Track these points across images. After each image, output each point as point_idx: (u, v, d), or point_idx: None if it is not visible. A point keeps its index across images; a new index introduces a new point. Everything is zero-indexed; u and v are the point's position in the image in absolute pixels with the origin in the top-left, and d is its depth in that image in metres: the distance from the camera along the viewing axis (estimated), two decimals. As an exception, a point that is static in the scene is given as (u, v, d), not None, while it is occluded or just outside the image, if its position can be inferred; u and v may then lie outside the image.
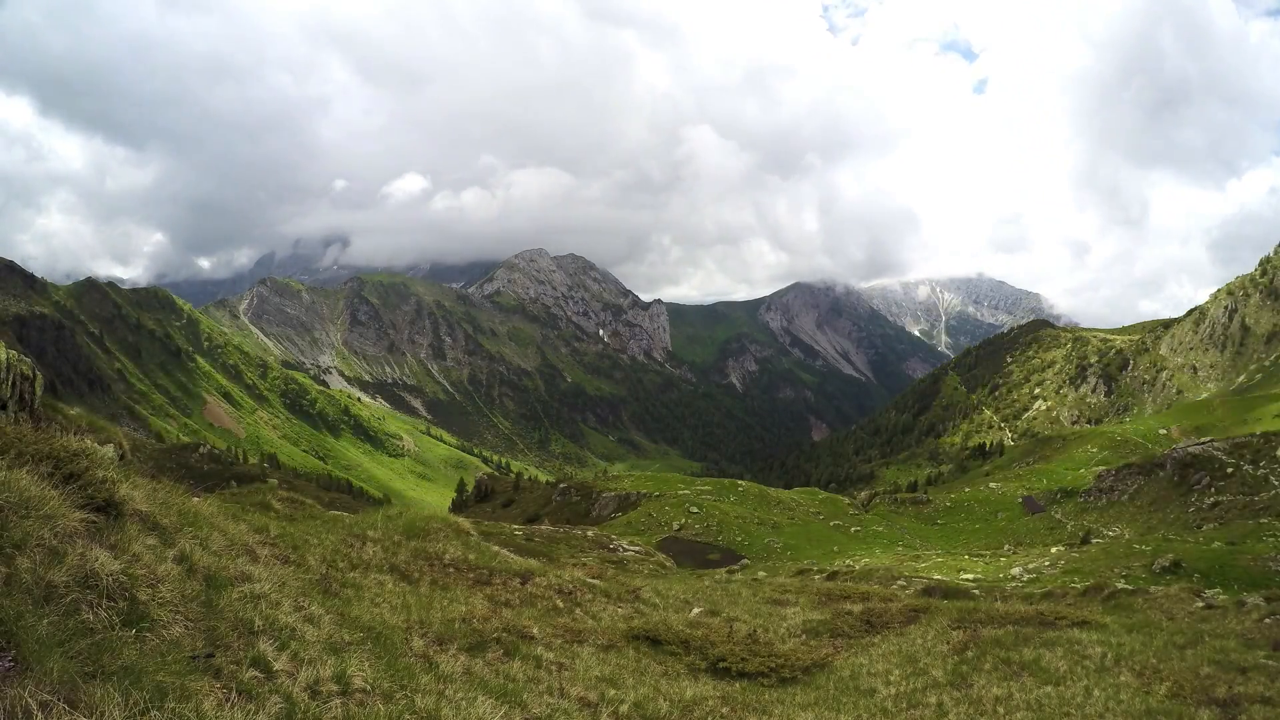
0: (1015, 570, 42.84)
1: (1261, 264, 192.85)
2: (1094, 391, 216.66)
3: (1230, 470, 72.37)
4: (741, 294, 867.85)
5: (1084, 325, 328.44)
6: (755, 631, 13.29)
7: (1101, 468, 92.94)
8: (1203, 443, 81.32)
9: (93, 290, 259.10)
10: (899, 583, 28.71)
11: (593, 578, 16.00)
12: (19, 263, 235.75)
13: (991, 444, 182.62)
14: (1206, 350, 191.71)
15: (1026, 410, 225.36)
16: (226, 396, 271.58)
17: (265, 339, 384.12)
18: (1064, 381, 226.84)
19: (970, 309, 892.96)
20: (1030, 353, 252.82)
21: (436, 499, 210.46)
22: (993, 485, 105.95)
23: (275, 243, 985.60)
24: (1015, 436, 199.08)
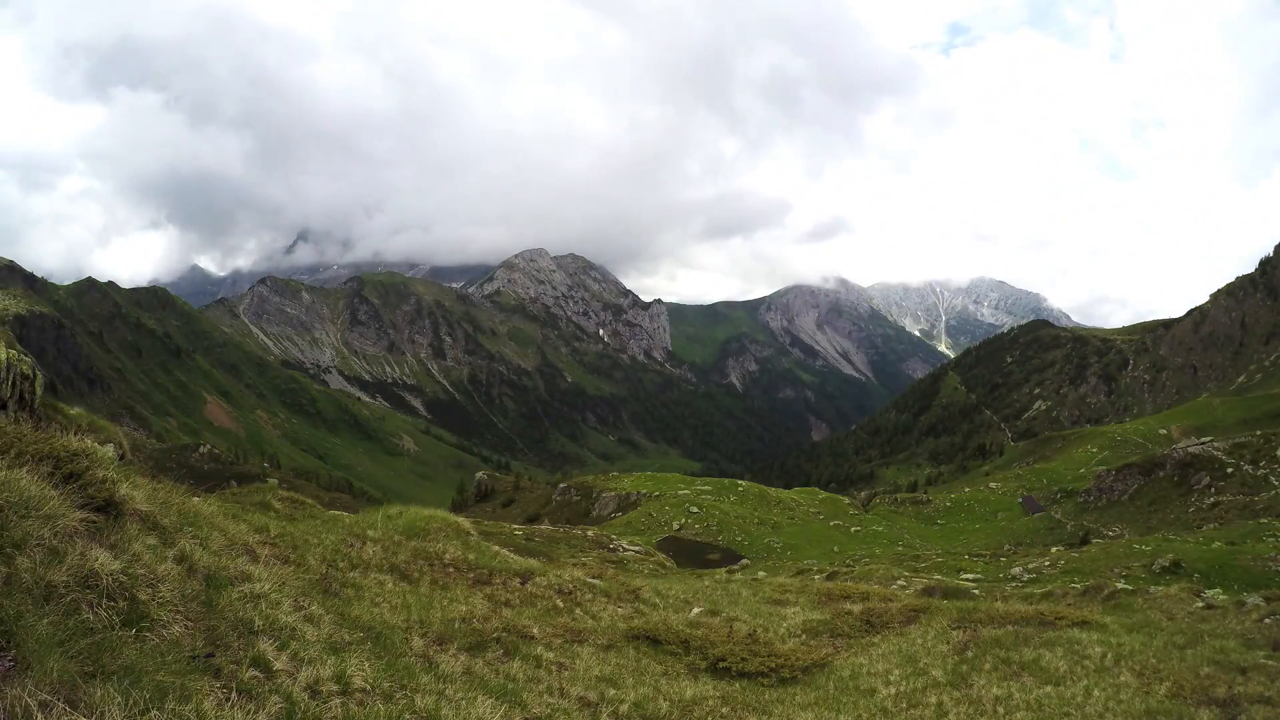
0: (1015, 570, 42.80)
1: (1261, 264, 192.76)
2: (1094, 391, 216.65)
3: (1230, 470, 72.42)
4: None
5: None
6: (755, 631, 13.29)
7: (1101, 468, 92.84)
8: (1203, 443, 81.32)
9: (93, 290, 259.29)
10: (899, 583, 28.71)
11: (593, 577, 16.00)
12: (18, 261, 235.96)
13: (991, 444, 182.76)
14: (1206, 350, 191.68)
15: (1026, 410, 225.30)
16: (226, 396, 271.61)
17: (265, 338, 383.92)
18: (1064, 381, 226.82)
19: (970, 309, 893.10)
20: (1030, 353, 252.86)
21: (436, 499, 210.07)
22: (993, 485, 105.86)
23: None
24: (1015, 436, 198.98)
